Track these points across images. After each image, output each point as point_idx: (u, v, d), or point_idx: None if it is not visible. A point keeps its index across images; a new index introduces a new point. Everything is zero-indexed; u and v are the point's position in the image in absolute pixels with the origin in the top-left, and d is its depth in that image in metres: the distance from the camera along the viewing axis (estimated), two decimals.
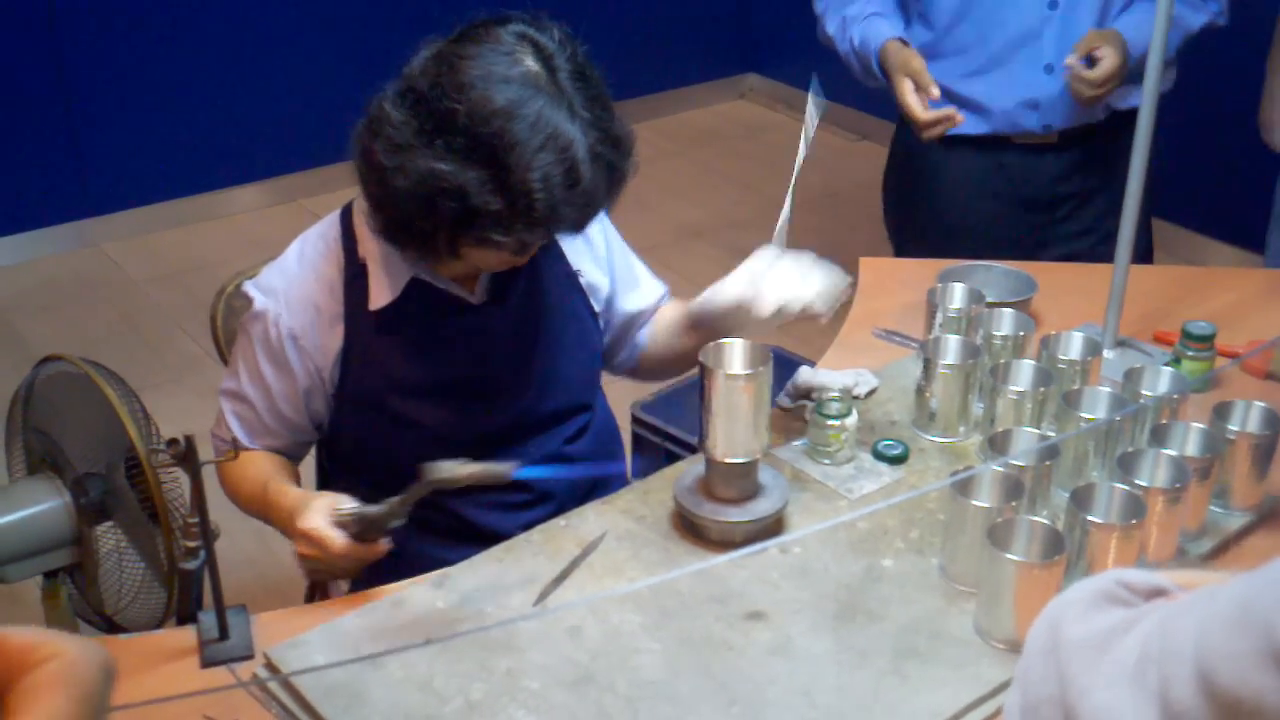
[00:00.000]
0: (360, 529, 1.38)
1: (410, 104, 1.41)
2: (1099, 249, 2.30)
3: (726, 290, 1.61)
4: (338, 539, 1.39)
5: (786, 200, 1.68)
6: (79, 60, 4.02)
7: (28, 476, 2.08)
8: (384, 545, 1.41)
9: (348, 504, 1.39)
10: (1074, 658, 0.66)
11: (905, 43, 2.25)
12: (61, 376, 2.01)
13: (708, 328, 1.66)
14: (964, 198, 2.34)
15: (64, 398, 2.01)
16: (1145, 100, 1.71)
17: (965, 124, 2.23)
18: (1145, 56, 1.77)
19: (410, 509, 1.37)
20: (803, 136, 1.69)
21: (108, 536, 2.07)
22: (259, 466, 1.62)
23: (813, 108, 1.69)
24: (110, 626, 2.07)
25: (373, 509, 1.38)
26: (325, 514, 1.42)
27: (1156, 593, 0.70)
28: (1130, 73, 2.12)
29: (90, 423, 1.97)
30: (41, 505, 1.95)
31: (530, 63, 1.41)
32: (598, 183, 1.42)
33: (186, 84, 4.23)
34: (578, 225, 1.47)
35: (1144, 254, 2.41)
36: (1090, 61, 2.12)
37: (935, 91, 2.19)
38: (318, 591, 1.84)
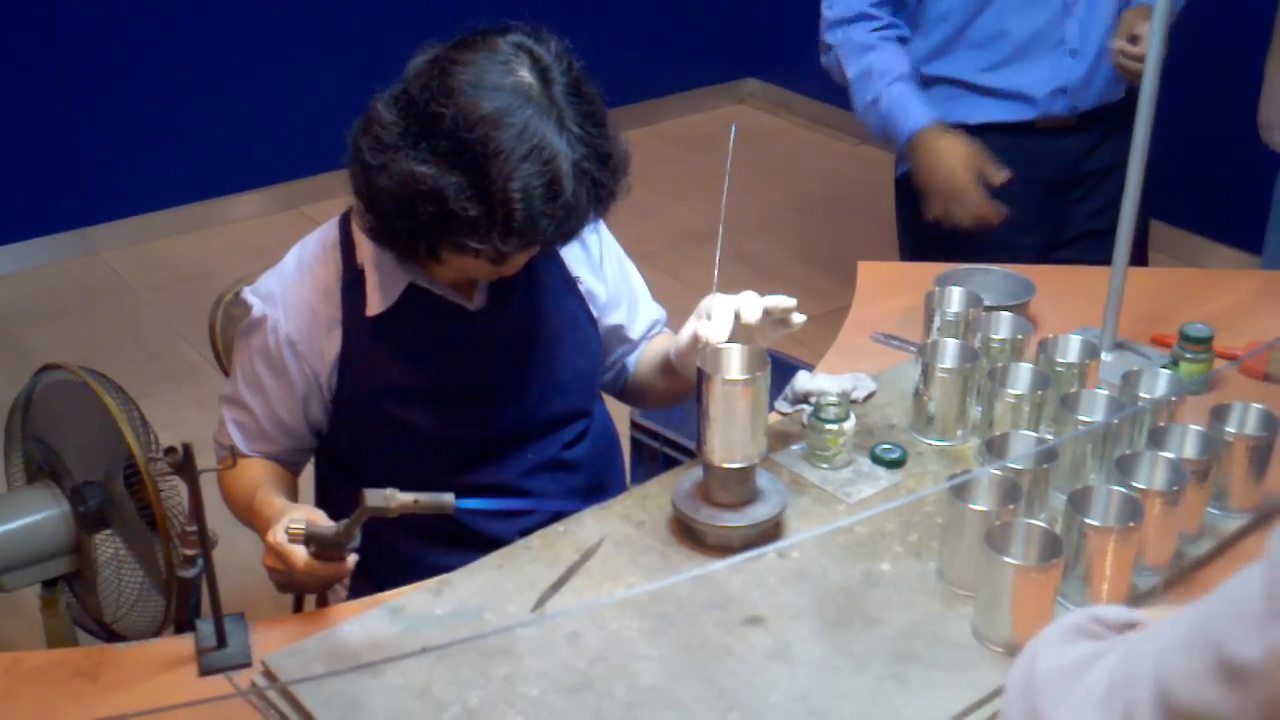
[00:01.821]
0: (318, 547, 1.36)
1: (401, 106, 1.42)
2: (1109, 219, 2.30)
3: (681, 335, 1.58)
4: (300, 555, 1.36)
5: (719, 242, 1.68)
6: (80, 68, 4.02)
7: (27, 485, 2.08)
8: (348, 565, 1.38)
9: (299, 520, 1.36)
10: (1045, 690, 0.67)
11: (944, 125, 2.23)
12: (61, 385, 2.02)
13: (682, 373, 1.64)
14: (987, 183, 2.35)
15: (63, 406, 2.01)
16: (1144, 99, 1.71)
17: (993, 111, 2.27)
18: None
19: (359, 533, 1.35)
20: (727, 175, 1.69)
21: (106, 545, 2.07)
22: (250, 475, 1.62)
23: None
24: (109, 635, 2.07)
25: (322, 529, 1.36)
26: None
27: (1128, 626, 0.71)
28: None
29: (89, 431, 1.97)
30: (40, 514, 1.95)
31: (524, 74, 1.41)
32: (580, 197, 1.42)
33: (187, 91, 4.24)
34: (556, 239, 1.46)
35: (1139, 254, 2.42)
36: (1133, 40, 2.14)
37: (999, 179, 2.19)
38: (303, 602, 1.83)
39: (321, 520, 1.39)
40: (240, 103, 4.35)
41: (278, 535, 1.38)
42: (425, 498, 1.29)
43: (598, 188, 1.45)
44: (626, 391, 1.87)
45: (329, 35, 4.42)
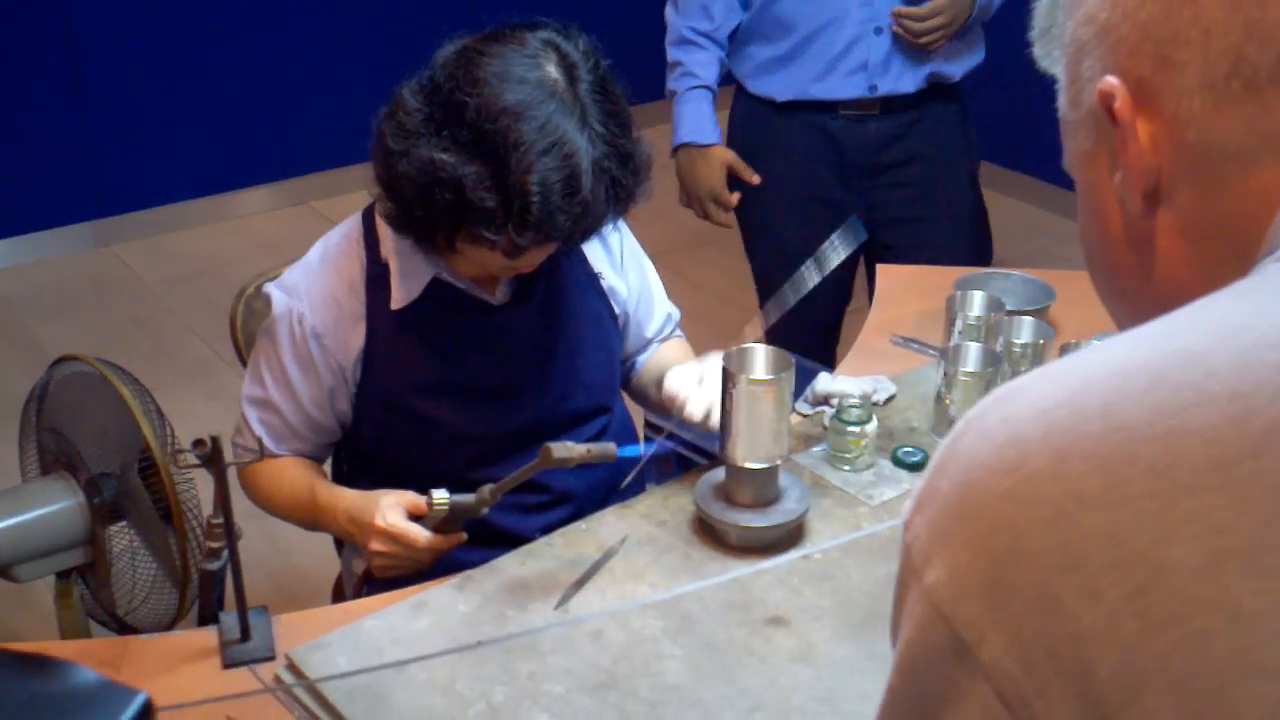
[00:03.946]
0: (444, 520, 1.41)
1: (427, 93, 1.43)
2: (922, 207, 2.45)
3: (673, 380, 1.58)
4: (421, 533, 1.42)
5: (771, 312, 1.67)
6: (92, 61, 4.02)
7: (41, 476, 2.08)
8: (462, 534, 1.45)
9: (440, 495, 1.41)
10: None
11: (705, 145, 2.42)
12: (77, 377, 2.01)
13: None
14: (795, 160, 2.45)
15: (79, 398, 2.01)
16: None
17: (790, 89, 2.36)
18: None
19: (502, 495, 1.41)
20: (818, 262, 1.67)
21: (120, 537, 2.07)
22: (295, 473, 1.62)
23: (841, 241, 1.68)
24: (121, 627, 2.07)
25: (467, 498, 1.41)
26: (401, 510, 1.44)
27: None
28: (970, 23, 2.28)
29: (105, 423, 1.97)
30: (55, 505, 1.95)
31: (550, 69, 1.41)
32: (598, 195, 1.41)
33: (199, 86, 4.24)
34: (573, 236, 1.45)
35: (983, 238, 2.56)
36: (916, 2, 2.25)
37: (756, 178, 2.42)
38: (341, 595, 1.83)
39: (415, 497, 1.45)
40: (251, 97, 4.35)
41: (392, 518, 1.43)
42: (595, 448, 1.38)
43: (617, 187, 1.45)
44: (630, 389, 1.87)
45: (341, 31, 4.42)
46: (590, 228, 1.46)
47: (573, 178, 1.38)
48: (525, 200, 1.36)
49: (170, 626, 1.97)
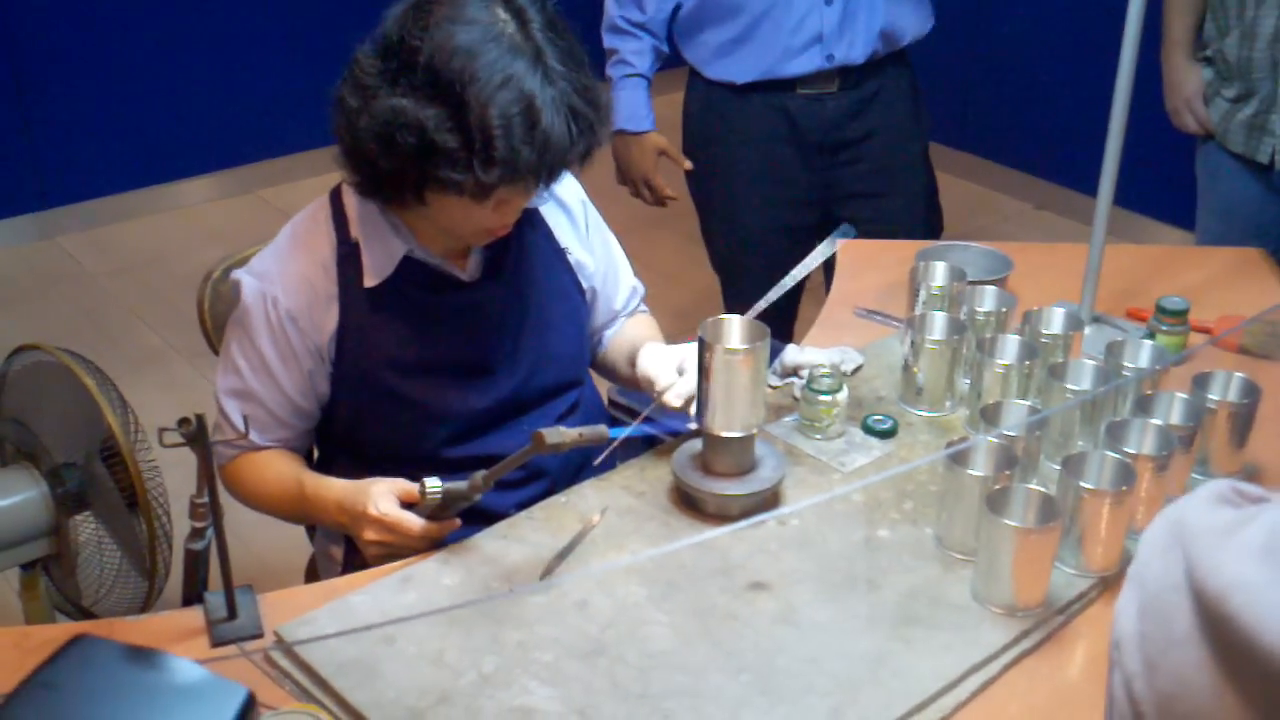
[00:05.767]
0: (437, 507, 1.41)
1: (381, 49, 1.44)
2: (879, 182, 2.49)
3: (652, 361, 1.61)
4: (416, 521, 1.42)
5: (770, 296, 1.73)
6: (33, 51, 3.95)
7: (2, 468, 2.05)
8: (457, 520, 1.45)
9: (433, 484, 1.41)
10: (1200, 542, 0.70)
11: (638, 133, 2.48)
12: (37, 366, 1.99)
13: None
14: (754, 142, 2.47)
15: (39, 387, 1.99)
16: (1120, 84, 1.75)
17: (750, 70, 2.38)
18: None
19: (494, 482, 1.41)
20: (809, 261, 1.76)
21: (84, 526, 2.05)
22: (280, 466, 1.62)
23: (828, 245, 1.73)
24: (86, 618, 2.05)
25: (459, 485, 1.41)
26: (393, 498, 1.44)
27: (1263, 500, 0.74)
28: None
29: (66, 412, 1.94)
30: (17, 496, 1.92)
31: (500, 11, 1.43)
32: (558, 128, 1.42)
33: (141, 75, 4.18)
34: (539, 171, 1.44)
35: (932, 213, 2.61)
36: None
37: (688, 164, 2.51)
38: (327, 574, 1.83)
39: (405, 484, 1.45)
40: (194, 86, 4.29)
41: (385, 506, 1.43)
42: (587, 431, 1.38)
43: (578, 119, 1.44)
44: (597, 364, 1.88)
45: (284, 18, 4.38)
46: (555, 163, 1.45)
47: (531, 110, 1.39)
48: (487, 134, 1.37)
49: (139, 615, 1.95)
